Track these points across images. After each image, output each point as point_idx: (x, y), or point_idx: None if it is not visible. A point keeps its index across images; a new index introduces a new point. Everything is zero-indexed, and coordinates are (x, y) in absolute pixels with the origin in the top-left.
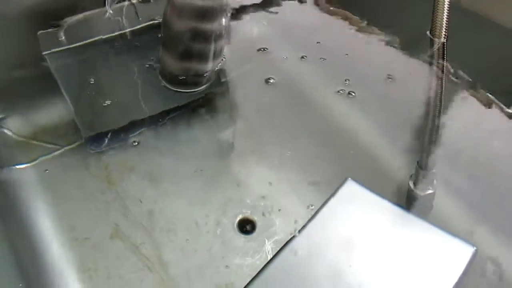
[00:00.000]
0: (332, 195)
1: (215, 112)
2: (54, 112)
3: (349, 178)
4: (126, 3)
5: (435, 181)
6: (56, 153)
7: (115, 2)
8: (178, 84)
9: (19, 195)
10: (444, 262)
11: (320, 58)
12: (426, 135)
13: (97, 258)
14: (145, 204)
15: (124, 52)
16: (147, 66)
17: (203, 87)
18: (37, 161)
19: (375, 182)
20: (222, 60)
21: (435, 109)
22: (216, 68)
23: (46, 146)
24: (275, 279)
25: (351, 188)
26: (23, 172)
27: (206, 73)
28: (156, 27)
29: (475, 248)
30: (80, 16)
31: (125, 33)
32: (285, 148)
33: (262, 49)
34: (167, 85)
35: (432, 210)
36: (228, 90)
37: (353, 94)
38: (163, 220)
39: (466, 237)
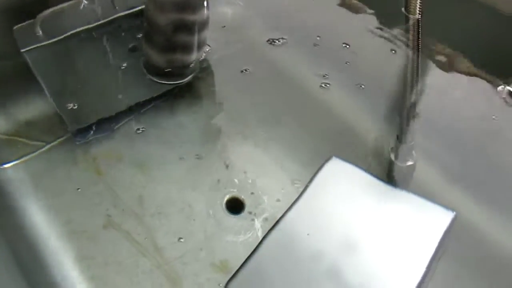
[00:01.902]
0: (317, 172)
1: (198, 97)
2: (37, 107)
3: (333, 156)
4: None
5: (414, 153)
6: (42, 148)
7: None
8: (163, 76)
9: (9, 194)
10: (426, 228)
11: (298, 37)
12: (403, 109)
13: (93, 247)
14: (136, 191)
15: (103, 43)
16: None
17: (188, 78)
18: (23, 158)
19: (357, 157)
20: (207, 50)
21: (412, 85)
22: (201, 58)
23: (31, 143)
24: (268, 257)
25: (335, 165)
26: (10, 170)
27: (190, 64)
28: (135, 16)
29: (454, 213)
30: (55, 8)
31: (102, 23)
32: (269, 127)
33: (240, 30)
34: (152, 78)
35: (412, 179)
36: (209, 75)
37: (328, 67)
38: (154, 205)
39: (445, 203)
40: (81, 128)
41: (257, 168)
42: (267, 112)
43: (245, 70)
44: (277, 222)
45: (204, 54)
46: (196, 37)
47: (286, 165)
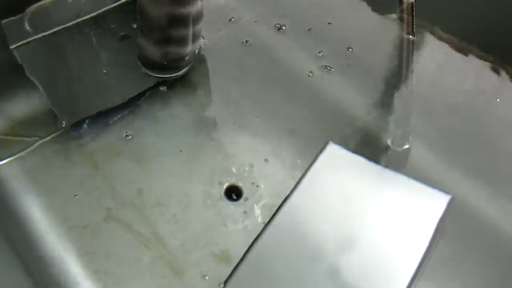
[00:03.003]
0: (315, 159)
1: (192, 88)
2: (29, 103)
3: (330, 142)
4: None
5: (410, 137)
6: (37, 144)
7: None
8: (158, 69)
9: (6, 192)
10: (423, 212)
11: (293, 24)
12: (399, 93)
13: (94, 242)
14: (134, 184)
15: (95, 36)
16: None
17: (183, 70)
18: (18, 155)
19: (353, 141)
20: (201, 41)
21: (407, 68)
22: (196, 51)
23: (25, 139)
24: (269, 248)
25: (332, 151)
26: (6, 167)
27: (186, 56)
28: (125, 6)
29: (450, 196)
30: (43, 2)
31: (92, 16)
32: (265, 115)
33: (232, 18)
34: (147, 72)
35: (408, 163)
36: (203, 65)
37: (322, 53)
38: (153, 197)
39: (442, 186)
40: (74, 124)
41: (254, 156)
42: (263, 100)
43: (240, 56)
44: (277, 211)
45: (199, 46)
46: (191, 30)
47: (283, 151)
